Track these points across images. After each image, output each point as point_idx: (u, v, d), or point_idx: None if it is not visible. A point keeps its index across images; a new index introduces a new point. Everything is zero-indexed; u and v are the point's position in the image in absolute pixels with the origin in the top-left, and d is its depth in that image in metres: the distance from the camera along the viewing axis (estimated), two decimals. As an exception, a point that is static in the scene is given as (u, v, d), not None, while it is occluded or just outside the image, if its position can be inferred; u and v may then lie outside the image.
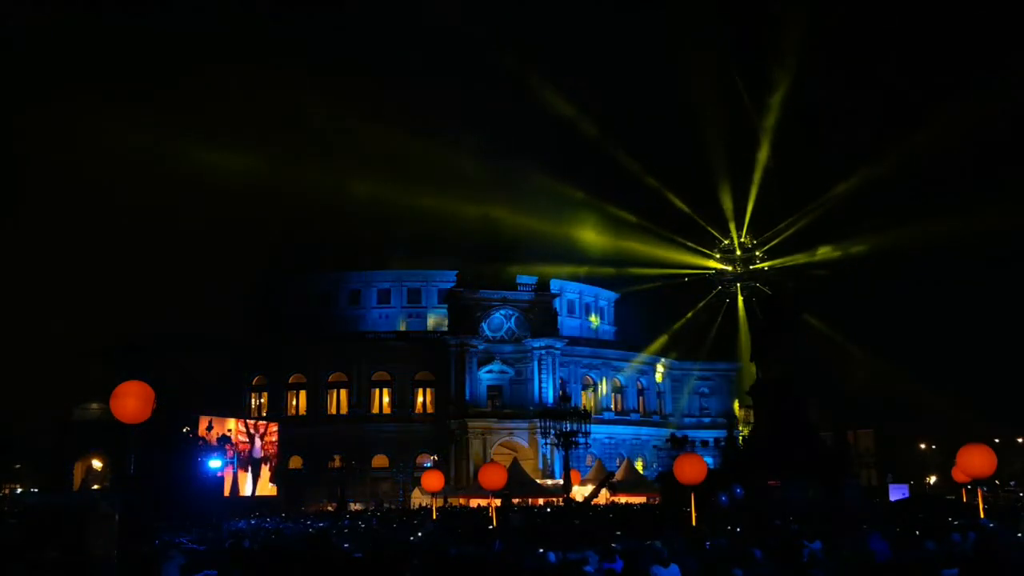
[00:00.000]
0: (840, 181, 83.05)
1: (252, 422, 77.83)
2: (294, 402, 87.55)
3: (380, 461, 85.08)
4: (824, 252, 77.36)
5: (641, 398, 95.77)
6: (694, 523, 26.76)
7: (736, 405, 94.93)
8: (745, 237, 77.86)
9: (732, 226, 77.40)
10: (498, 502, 42.15)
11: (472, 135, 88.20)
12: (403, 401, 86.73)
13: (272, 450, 75.19)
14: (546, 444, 60.54)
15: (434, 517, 39.96)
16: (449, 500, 63.47)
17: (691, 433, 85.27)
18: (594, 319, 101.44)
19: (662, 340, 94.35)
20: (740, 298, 78.21)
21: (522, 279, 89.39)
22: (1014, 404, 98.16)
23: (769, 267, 72.79)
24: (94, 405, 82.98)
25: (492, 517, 35.49)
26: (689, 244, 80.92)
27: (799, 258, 77.04)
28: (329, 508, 64.35)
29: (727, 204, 79.65)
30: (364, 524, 39.21)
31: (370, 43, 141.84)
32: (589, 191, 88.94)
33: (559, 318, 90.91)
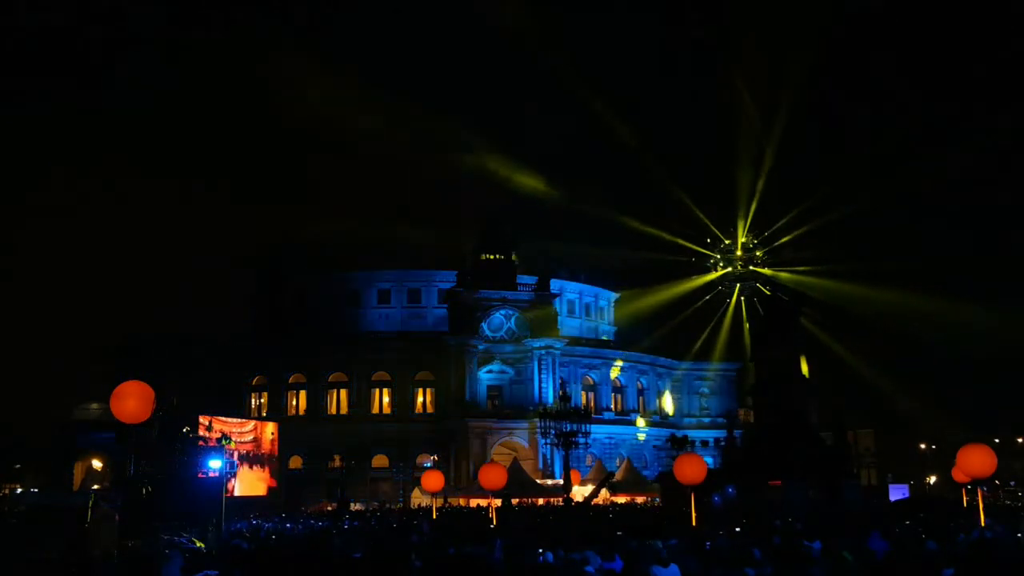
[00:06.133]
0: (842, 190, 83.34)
1: (250, 422, 77.86)
2: (294, 402, 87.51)
3: (380, 461, 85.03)
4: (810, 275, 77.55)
5: (641, 398, 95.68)
6: (694, 523, 26.75)
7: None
8: (746, 237, 77.91)
9: (739, 225, 77.42)
10: (498, 502, 42.14)
11: (476, 133, 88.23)
12: (403, 401, 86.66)
13: (272, 450, 75.17)
14: (546, 444, 60.51)
15: (434, 517, 39.95)
16: (449, 500, 63.44)
17: (691, 433, 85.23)
18: (593, 319, 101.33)
19: (662, 340, 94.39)
20: (741, 298, 78.25)
21: (522, 279, 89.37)
22: (1013, 405, 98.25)
23: (770, 271, 72.85)
24: (94, 405, 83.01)
25: (492, 517, 35.48)
26: (692, 246, 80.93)
27: (797, 277, 77.17)
28: (329, 508, 64.32)
29: (728, 203, 79.69)
30: (364, 524, 39.20)
31: (379, 42, 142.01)
32: (590, 190, 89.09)
33: (559, 318, 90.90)
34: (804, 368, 47.76)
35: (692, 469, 27.29)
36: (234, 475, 70.30)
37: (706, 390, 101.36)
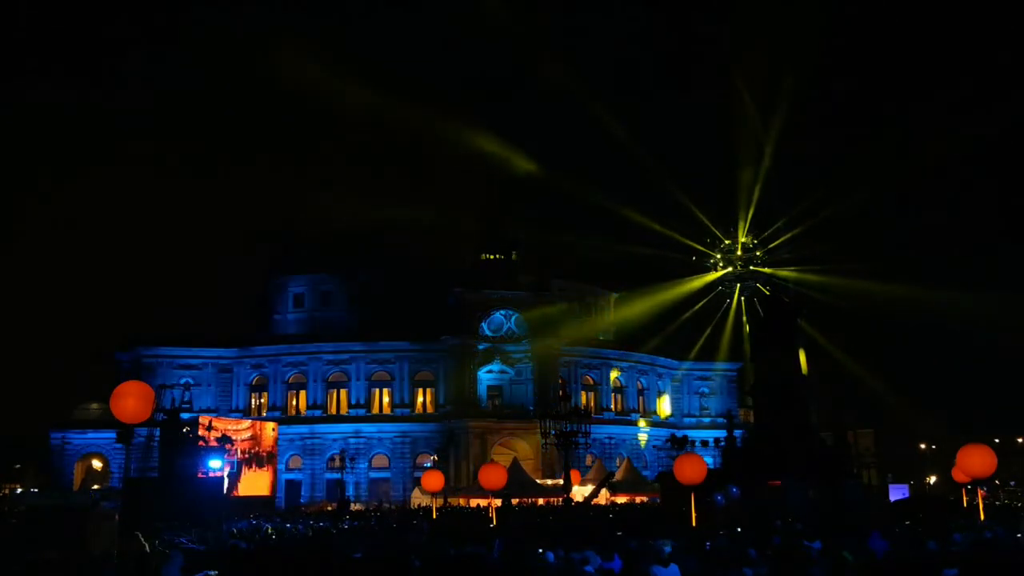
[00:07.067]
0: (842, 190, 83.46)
1: (249, 421, 77.94)
2: (294, 402, 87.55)
3: (380, 461, 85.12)
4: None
5: (641, 398, 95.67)
6: (694, 523, 26.76)
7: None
8: (746, 236, 77.70)
9: (741, 225, 77.28)
10: (498, 502, 42.15)
11: (476, 133, 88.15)
12: (403, 401, 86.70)
13: (272, 450, 75.23)
14: (546, 444, 60.51)
15: (434, 517, 39.96)
16: (449, 500, 63.41)
17: (691, 433, 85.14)
18: (593, 319, 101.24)
19: (662, 340, 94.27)
20: (741, 298, 78.11)
21: (522, 279, 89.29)
22: (1013, 405, 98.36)
23: (769, 269, 72.75)
24: (94, 405, 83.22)
25: (492, 517, 35.51)
26: (693, 244, 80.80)
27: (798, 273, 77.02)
28: (329, 508, 64.36)
29: (728, 203, 79.63)
30: (364, 524, 39.21)
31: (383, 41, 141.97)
32: (591, 190, 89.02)
33: (559, 317, 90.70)
34: (804, 368, 47.71)
35: (692, 469, 27.33)
36: (238, 476, 70.46)
37: (706, 390, 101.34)
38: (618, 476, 73.29)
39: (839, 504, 37.16)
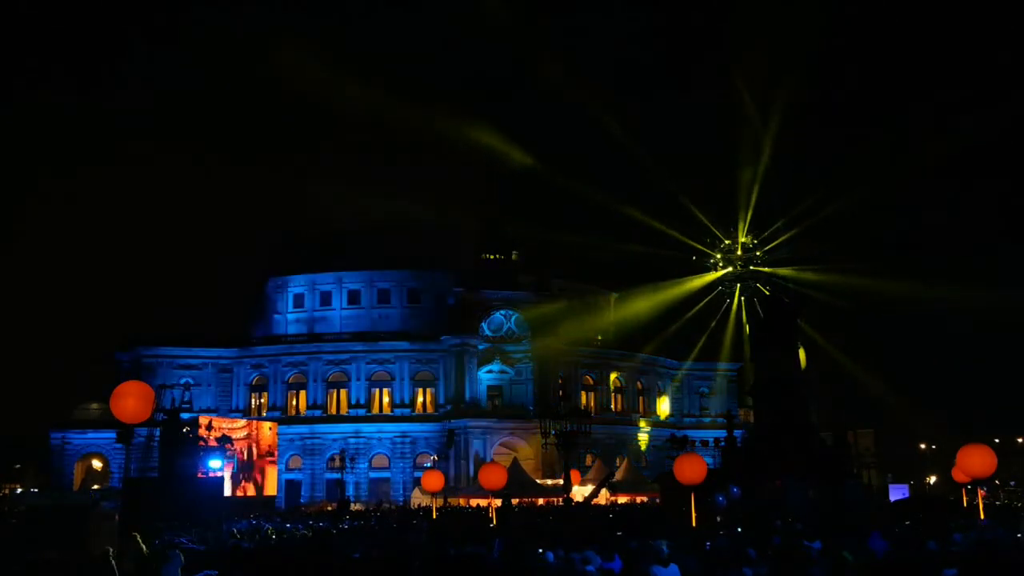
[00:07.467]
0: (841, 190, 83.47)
1: (251, 422, 77.90)
2: (294, 402, 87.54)
3: (380, 461, 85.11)
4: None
5: (641, 398, 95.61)
6: (694, 523, 26.75)
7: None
8: (746, 237, 77.88)
9: (741, 226, 77.34)
10: (498, 502, 42.14)
11: (476, 131, 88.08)
12: (403, 401, 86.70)
13: (272, 450, 75.22)
14: (546, 444, 60.54)
15: (434, 517, 39.96)
16: (449, 500, 63.40)
17: (691, 433, 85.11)
18: (593, 319, 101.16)
19: (662, 340, 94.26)
20: (741, 298, 78.23)
21: (522, 278, 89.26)
22: (1013, 405, 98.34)
23: (769, 269, 72.83)
24: (94, 405, 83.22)
25: (492, 517, 35.50)
26: (693, 243, 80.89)
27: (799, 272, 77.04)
28: (329, 508, 64.34)
29: (728, 203, 79.68)
30: (364, 524, 39.21)
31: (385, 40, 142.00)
32: (591, 190, 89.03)
33: (559, 317, 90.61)
34: (804, 367, 47.75)
35: (692, 469, 27.30)
36: (246, 476, 70.57)
37: (706, 390, 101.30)
38: (618, 476, 73.23)
39: (839, 504, 37.15)
